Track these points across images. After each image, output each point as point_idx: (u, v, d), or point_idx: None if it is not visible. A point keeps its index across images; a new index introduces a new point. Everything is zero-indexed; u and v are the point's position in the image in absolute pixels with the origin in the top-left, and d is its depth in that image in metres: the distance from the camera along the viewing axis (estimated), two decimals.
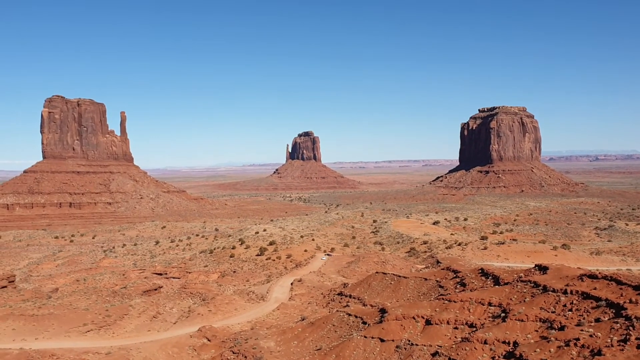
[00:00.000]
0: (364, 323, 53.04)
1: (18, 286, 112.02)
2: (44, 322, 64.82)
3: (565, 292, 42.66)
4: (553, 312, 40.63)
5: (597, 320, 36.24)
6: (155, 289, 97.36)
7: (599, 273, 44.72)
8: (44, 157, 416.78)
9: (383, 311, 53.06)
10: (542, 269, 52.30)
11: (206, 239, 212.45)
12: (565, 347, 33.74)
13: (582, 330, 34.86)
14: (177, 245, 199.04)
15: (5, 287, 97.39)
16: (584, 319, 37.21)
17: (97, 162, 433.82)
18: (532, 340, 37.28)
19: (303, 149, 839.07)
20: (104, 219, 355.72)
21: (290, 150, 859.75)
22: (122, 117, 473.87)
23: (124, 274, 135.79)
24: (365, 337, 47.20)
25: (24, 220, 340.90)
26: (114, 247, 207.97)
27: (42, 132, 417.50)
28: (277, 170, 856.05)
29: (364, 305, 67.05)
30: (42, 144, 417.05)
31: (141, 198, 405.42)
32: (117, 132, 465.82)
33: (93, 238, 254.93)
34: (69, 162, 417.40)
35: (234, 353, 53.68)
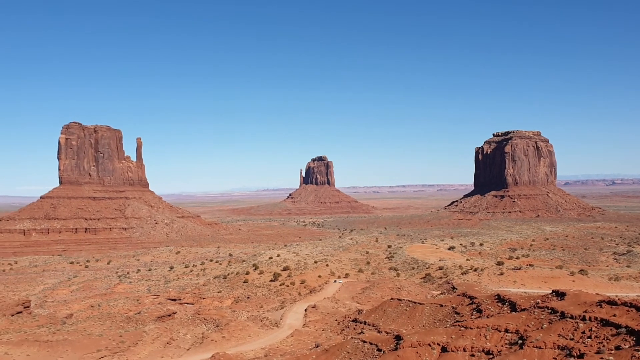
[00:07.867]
0: (379, 350, 52.37)
1: (33, 312, 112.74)
2: (58, 348, 64.80)
3: (583, 319, 41.88)
4: (572, 339, 39.86)
5: (617, 347, 35.47)
6: (169, 315, 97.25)
7: (619, 299, 43.93)
8: (60, 183, 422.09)
9: (398, 338, 52.42)
10: (560, 295, 51.50)
11: (220, 264, 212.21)
12: None
13: (601, 358, 34.10)
14: (191, 271, 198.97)
15: (21, 312, 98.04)
16: (603, 346, 36.44)
17: (113, 188, 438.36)
18: None
19: (317, 173, 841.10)
20: (119, 244, 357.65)
21: (304, 175, 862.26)
22: (138, 143, 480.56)
23: (138, 299, 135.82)
24: None
25: (40, 245, 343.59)
26: (128, 273, 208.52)
27: (59, 158, 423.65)
28: (290, 195, 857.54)
29: (379, 332, 66.31)
30: (59, 170, 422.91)
31: (156, 223, 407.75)
32: (133, 158, 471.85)
33: (108, 263, 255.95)
34: (85, 188, 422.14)
35: None
